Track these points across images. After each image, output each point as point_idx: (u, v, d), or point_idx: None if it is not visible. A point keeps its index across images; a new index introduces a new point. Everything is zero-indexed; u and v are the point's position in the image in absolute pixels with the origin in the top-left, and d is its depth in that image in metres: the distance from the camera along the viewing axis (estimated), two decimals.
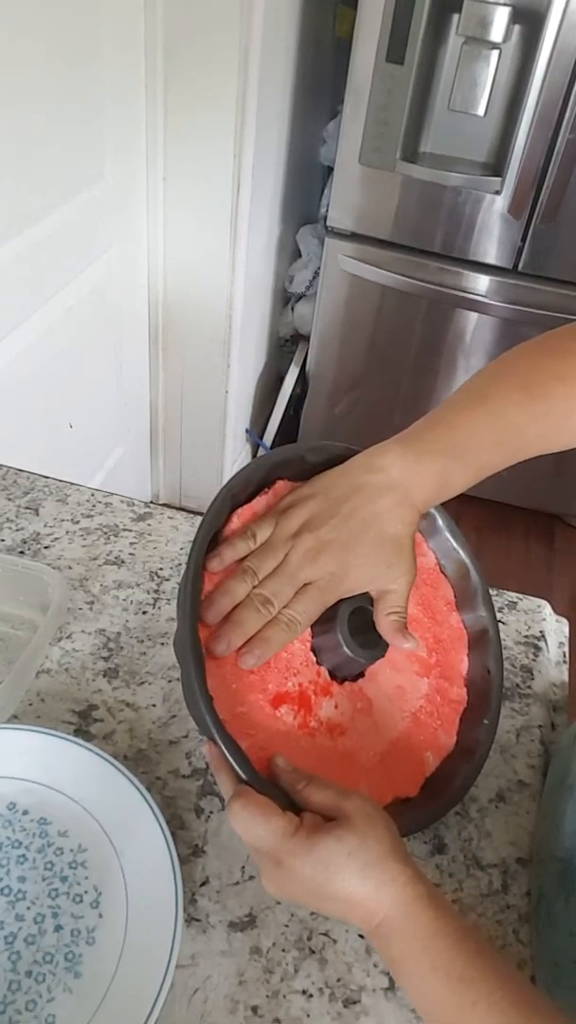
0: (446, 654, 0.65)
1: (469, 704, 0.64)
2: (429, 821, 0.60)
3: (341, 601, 0.59)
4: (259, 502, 0.61)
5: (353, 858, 0.47)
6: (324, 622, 0.59)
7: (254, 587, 0.55)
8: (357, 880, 0.46)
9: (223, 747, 0.50)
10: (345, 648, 0.57)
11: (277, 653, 0.57)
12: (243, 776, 0.50)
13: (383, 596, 0.57)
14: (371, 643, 0.59)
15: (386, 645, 0.59)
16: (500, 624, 0.83)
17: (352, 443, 0.63)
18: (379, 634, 0.59)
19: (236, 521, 0.60)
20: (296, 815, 0.49)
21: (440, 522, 0.67)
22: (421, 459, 0.57)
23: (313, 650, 0.60)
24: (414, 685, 0.63)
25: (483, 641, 0.65)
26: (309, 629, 0.60)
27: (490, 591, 0.68)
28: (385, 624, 0.57)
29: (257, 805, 0.49)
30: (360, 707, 0.60)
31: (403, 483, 0.56)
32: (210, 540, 0.58)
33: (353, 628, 0.58)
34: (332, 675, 0.60)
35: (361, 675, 0.61)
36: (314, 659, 0.60)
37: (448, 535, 0.67)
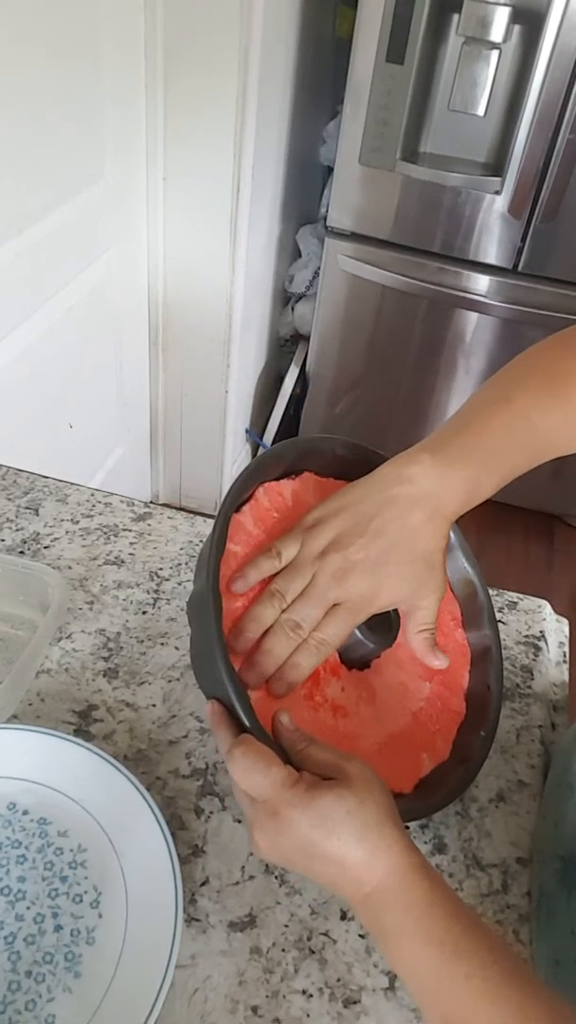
0: (449, 665, 0.65)
1: (467, 716, 0.64)
2: (410, 818, 0.60)
3: None
4: (285, 485, 0.61)
5: (352, 817, 0.46)
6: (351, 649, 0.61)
7: (283, 611, 0.55)
8: (353, 841, 0.46)
9: (232, 691, 0.49)
10: (355, 630, 0.58)
11: None
12: (247, 724, 0.50)
13: (413, 612, 0.57)
14: (380, 630, 0.59)
15: (395, 635, 0.60)
16: (500, 624, 0.83)
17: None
18: (389, 623, 0.60)
19: (262, 496, 0.60)
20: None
21: (452, 539, 0.68)
22: (452, 467, 0.55)
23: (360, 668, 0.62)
24: (417, 686, 0.63)
25: (485, 659, 0.66)
26: None
27: (492, 601, 0.69)
28: (417, 642, 0.57)
29: (259, 752, 0.48)
30: (364, 695, 0.61)
31: (434, 494, 0.55)
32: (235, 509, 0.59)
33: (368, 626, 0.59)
34: (342, 659, 0.61)
35: (367, 666, 0.62)
36: None
37: (460, 553, 0.68)
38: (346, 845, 0.46)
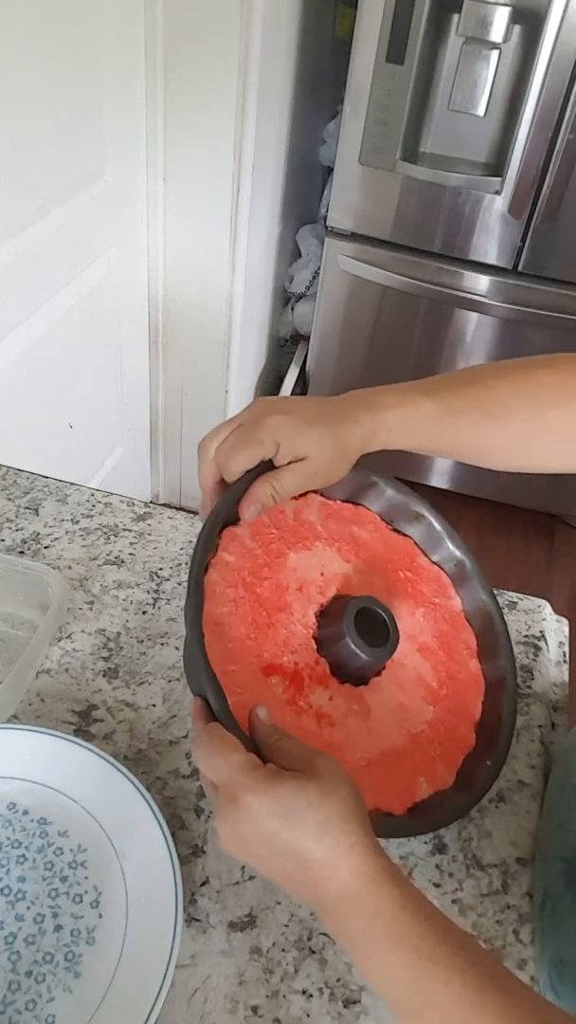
0: (459, 693, 0.65)
1: (476, 746, 0.64)
2: (399, 835, 0.60)
3: (349, 598, 0.61)
4: (288, 502, 0.63)
5: (313, 809, 0.44)
6: (331, 617, 0.60)
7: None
8: (313, 834, 0.44)
9: (207, 683, 0.50)
10: (348, 640, 0.58)
11: (276, 628, 0.59)
12: (216, 712, 0.50)
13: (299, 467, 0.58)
14: (375, 644, 0.59)
15: (391, 650, 0.60)
16: None
17: None
18: (384, 637, 0.60)
19: (226, 541, 0.61)
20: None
21: (468, 567, 0.69)
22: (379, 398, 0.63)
23: (317, 641, 0.60)
24: (419, 708, 0.63)
25: (500, 689, 0.65)
26: (314, 619, 0.61)
27: (510, 632, 0.68)
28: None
29: (222, 738, 0.48)
30: (356, 709, 0.60)
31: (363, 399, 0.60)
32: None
33: (360, 629, 0.59)
34: (335, 672, 0.60)
35: (364, 681, 0.62)
36: (315, 647, 0.60)
37: (477, 583, 0.69)
38: (306, 837, 0.44)
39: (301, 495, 0.64)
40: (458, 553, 0.70)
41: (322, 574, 0.64)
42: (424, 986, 0.41)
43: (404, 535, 0.70)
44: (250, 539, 0.62)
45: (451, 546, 0.70)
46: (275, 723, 0.51)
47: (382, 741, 0.60)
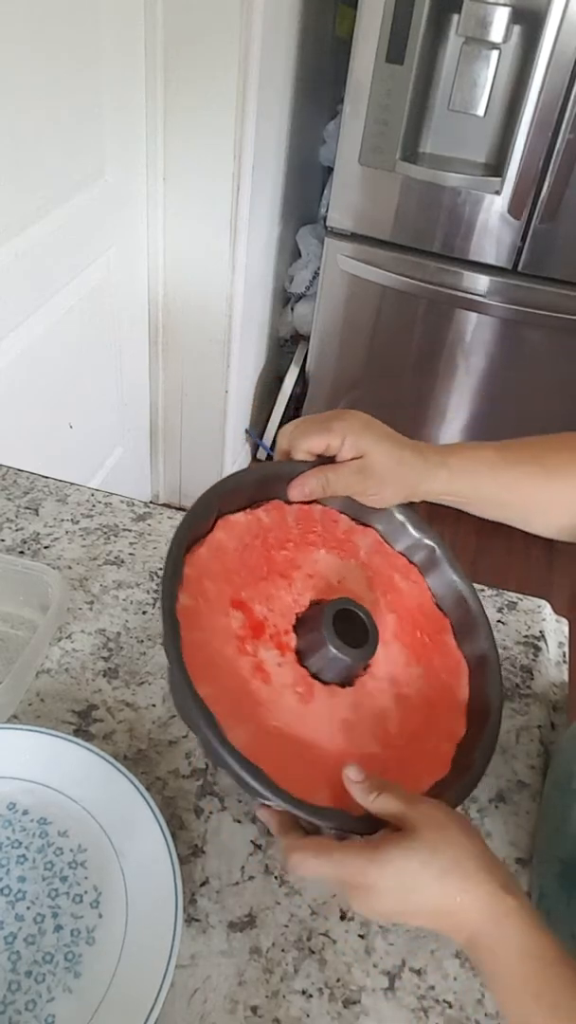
0: (446, 682, 0.65)
1: (468, 731, 0.63)
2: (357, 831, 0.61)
3: (323, 604, 0.61)
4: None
5: (427, 867, 0.45)
6: (309, 625, 0.61)
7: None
8: (436, 889, 0.45)
9: (279, 803, 0.50)
10: (329, 646, 0.58)
11: (267, 583, 0.62)
12: (321, 823, 0.50)
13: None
14: (355, 645, 0.59)
15: (370, 651, 0.60)
16: (500, 624, 0.83)
17: None
18: (365, 638, 0.60)
19: (219, 532, 0.63)
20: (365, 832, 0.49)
21: (439, 553, 0.68)
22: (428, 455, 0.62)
23: (298, 652, 0.61)
24: (401, 706, 0.63)
25: (483, 669, 0.65)
26: (308, 604, 0.62)
27: (487, 611, 0.68)
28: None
29: (317, 846, 0.48)
30: (300, 691, 0.60)
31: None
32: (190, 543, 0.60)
33: (339, 633, 0.59)
34: (317, 676, 0.60)
35: (350, 683, 0.61)
36: (294, 623, 0.62)
37: (448, 567, 0.68)
38: (431, 897, 0.45)
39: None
40: (425, 540, 0.69)
41: (338, 582, 0.65)
42: None
43: (368, 526, 0.70)
44: (292, 518, 0.65)
45: (416, 533, 0.69)
46: (367, 776, 0.51)
47: (364, 744, 0.59)
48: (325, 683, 0.61)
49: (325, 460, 0.62)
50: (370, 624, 0.61)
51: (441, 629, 0.67)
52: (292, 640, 0.61)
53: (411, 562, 0.69)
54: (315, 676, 0.61)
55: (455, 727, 0.63)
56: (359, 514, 0.69)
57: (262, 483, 0.65)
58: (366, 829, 0.50)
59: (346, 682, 0.61)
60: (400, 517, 0.69)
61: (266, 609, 0.62)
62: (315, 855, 0.48)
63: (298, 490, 0.62)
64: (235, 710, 0.56)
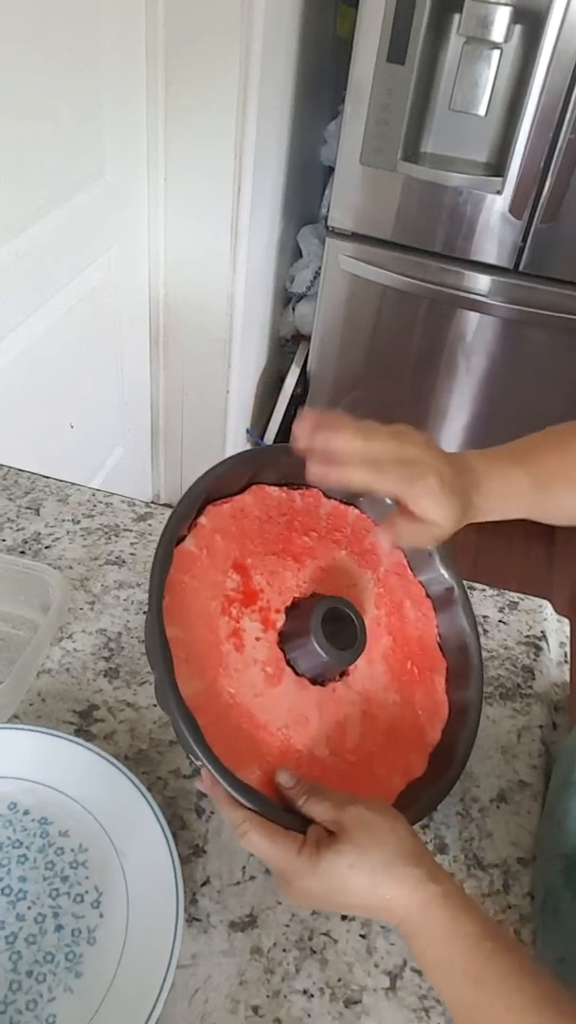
0: (414, 711, 0.64)
1: (424, 775, 0.62)
2: None
3: (323, 597, 0.61)
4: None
5: (355, 870, 0.47)
6: (300, 611, 0.61)
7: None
8: (365, 889, 0.47)
9: (222, 781, 0.51)
10: (316, 646, 0.58)
11: (277, 560, 0.63)
12: (245, 803, 0.51)
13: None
14: (342, 646, 0.59)
15: (351, 657, 0.60)
16: (501, 624, 0.83)
17: None
18: (352, 640, 0.60)
19: (248, 496, 0.64)
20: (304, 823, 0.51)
21: (456, 593, 0.68)
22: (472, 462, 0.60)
23: (281, 634, 0.61)
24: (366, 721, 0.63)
25: (463, 719, 0.64)
26: (308, 593, 0.62)
27: (483, 670, 0.67)
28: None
29: (263, 828, 0.50)
30: (268, 672, 0.60)
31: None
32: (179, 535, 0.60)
33: (327, 632, 0.59)
34: (293, 666, 0.61)
35: (323, 683, 0.61)
36: (288, 607, 0.62)
37: (461, 611, 0.68)
38: (360, 894, 0.48)
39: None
40: (447, 577, 0.68)
41: (347, 586, 0.66)
42: (472, 1008, 0.45)
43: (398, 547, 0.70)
44: (325, 512, 0.67)
45: (441, 569, 0.68)
46: (297, 781, 0.53)
47: (313, 746, 0.59)
48: (298, 674, 0.60)
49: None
50: (360, 633, 0.60)
51: (434, 668, 0.66)
52: (280, 620, 0.61)
53: (428, 595, 0.69)
54: (290, 664, 0.60)
55: (414, 765, 0.62)
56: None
57: (257, 465, 0.64)
58: (286, 821, 0.51)
59: (318, 681, 0.61)
60: (431, 548, 0.68)
61: (265, 582, 0.62)
62: (260, 834, 0.50)
63: (384, 536, 0.60)
64: (195, 660, 0.56)
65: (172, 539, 0.57)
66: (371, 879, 0.47)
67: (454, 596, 0.68)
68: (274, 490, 0.66)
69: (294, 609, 0.62)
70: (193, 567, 0.59)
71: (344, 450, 0.54)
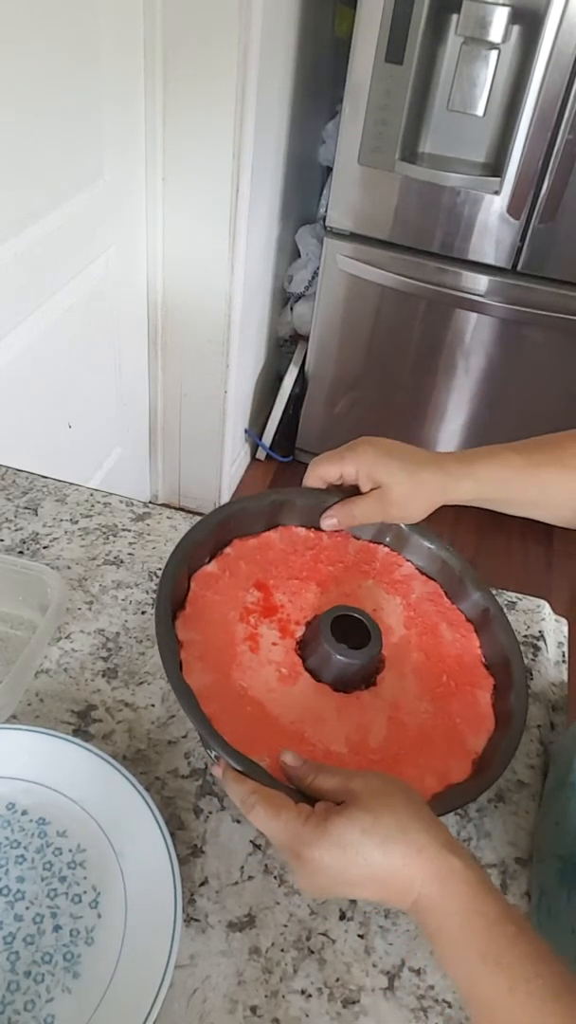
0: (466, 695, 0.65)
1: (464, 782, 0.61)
2: None
3: (317, 616, 0.63)
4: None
5: (368, 835, 0.45)
6: (314, 630, 0.62)
7: None
8: (378, 856, 0.45)
9: (231, 761, 0.52)
10: (323, 643, 0.59)
11: (299, 583, 0.67)
12: (251, 775, 0.51)
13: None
14: (356, 644, 0.60)
15: (369, 654, 0.60)
16: None
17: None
18: (366, 637, 0.61)
19: (274, 533, 0.69)
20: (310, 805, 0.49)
21: (492, 612, 0.68)
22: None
23: (300, 644, 0.63)
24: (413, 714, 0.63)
25: (506, 729, 0.62)
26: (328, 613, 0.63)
27: (526, 681, 0.66)
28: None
29: (269, 800, 0.49)
30: (284, 672, 0.61)
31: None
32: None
33: (343, 639, 0.60)
34: (334, 685, 0.61)
35: (348, 690, 0.62)
36: (307, 620, 0.64)
37: (498, 628, 0.68)
38: (372, 864, 0.45)
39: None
40: (481, 598, 0.69)
41: (373, 609, 0.67)
42: (489, 991, 0.42)
43: (432, 579, 0.72)
44: (354, 549, 0.71)
45: (474, 593, 0.69)
46: (304, 761, 0.52)
47: (329, 741, 0.59)
48: (319, 682, 0.61)
49: (351, 491, 0.67)
50: (375, 639, 0.61)
51: (476, 684, 0.66)
52: (299, 631, 0.63)
53: (468, 619, 0.70)
54: (310, 671, 0.61)
55: (452, 770, 0.60)
56: (428, 567, 0.72)
57: (274, 507, 0.69)
58: (294, 796, 0.51)
59: (341, 688, 0.61)
60: (460, 574, 0.70)
61: (287, 599, 0.65)
62: (265, 807, 0.49)
63: (327, 522, 0.68)
64: (209, 657, 0.59)
65: (186, 551, 0.60)
66: (384, 846, 0.45)
67: (490, 615, 0.68)
68: (301, 530, 0.70)
69: (314, 620, 0.63)
70: (215, 584, 0.63)
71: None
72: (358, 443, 0.65)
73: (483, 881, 0.45)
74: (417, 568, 0.71)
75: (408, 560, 0.71)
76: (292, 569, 0.67)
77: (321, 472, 0.65)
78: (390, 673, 0.63)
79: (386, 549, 0.72)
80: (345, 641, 0.60)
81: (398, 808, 0.46)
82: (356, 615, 0.62)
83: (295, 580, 0.66)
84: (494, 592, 0.70)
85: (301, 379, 2.28)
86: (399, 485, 0.63)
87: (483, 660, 0.67)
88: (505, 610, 0.84)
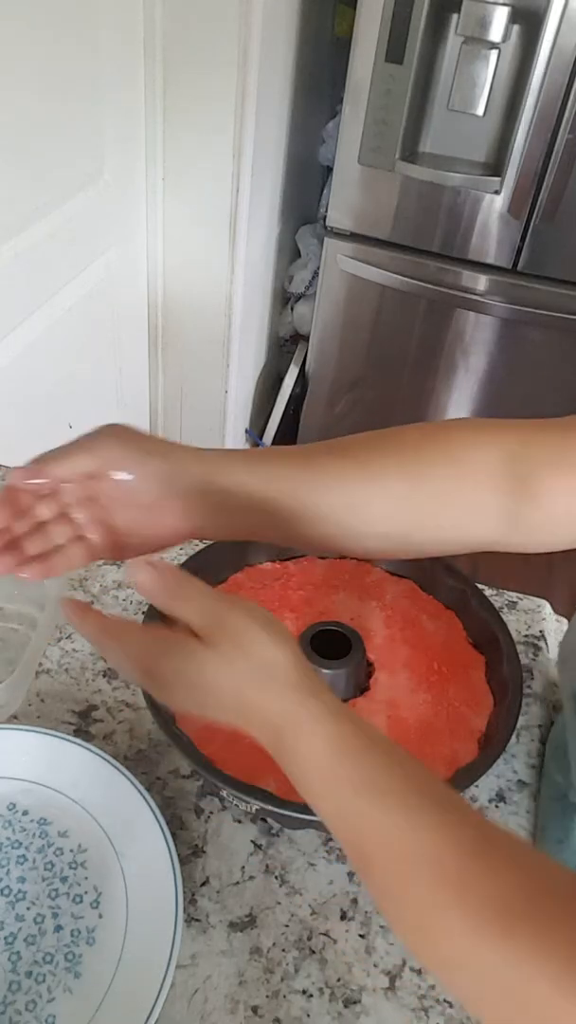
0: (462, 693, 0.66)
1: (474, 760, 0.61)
2: None
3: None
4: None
5: (222, 676, 0.42)
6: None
7: None
8: (231, 699, 0.42)
9: (240, 795, 0.54)
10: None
11: (290, 596, 0.68)
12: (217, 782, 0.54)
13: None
14: (337, 656, 0.61)
15: (350, 661, 0.61)
16: None
17: None
18: (347, 648, 0.62)
19: (240, 574, 0.71)
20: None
21: (468, 593, 0.70)
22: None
23: None
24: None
25: (504, 699, 0.63)
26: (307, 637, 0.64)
27: (488, 595, 0.69)
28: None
29: (111, 628, 0.46)
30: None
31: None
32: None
33: (327, 654, 0.61)
34: None
35: (367, 689, 0.63)
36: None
37: (477, 607, 0.69)
38: (228, 705, 0.42)
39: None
40: (454, 583, 0.70)
41: (351, 619, 0.68)
42: (363, 815, 0.39)
43: (404, 577, 0.73)
44: (321, 569, 0.72)
45: (448, 579, 0.70)
46: (176, 570, 0.45)
47: None
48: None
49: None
50: (356, 647, 0.62)
51: (468, 664, 0.67)
52: None
53: (447, 606, 0.71)
54: None
55: (459, 753, 0.61)
56: (397, 568, 0.73)
57: (239, 549, 0.72)
58: (286, 809, 0.52)
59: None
60: (430, 565, 0.71)
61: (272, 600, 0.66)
62: (110, 637, 0.45)
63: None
64: None
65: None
66: (239, 693, 0.42)
67: (468, 596, 0.69)
68: (267, 564, 0.72)
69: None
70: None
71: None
72: (98, 433, 0.56)
73: (346, 715, 0.42)
74: (387, 572, 0.72)
75: (376, 567, 0.73)
76: (263, 604, 0.65)
77: (59, 471, 0.56)
78: (381, 674, 0.64)
79: (353, 561, 0.73)
80: (330, 656, 0.60)
81: (254, 654, 0.42)
82: (332, 627, 0.62)
83: (288, 608, 0.68)
84: (494, 592, 0.71)
85: (302, 379, 2.28)
86: (108, 447, 0.56)
87: (470, 640, 0.69)
88: (503, 610, 0.84)
